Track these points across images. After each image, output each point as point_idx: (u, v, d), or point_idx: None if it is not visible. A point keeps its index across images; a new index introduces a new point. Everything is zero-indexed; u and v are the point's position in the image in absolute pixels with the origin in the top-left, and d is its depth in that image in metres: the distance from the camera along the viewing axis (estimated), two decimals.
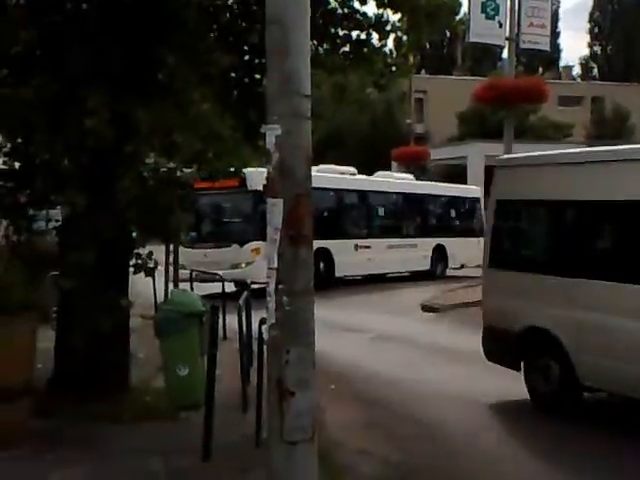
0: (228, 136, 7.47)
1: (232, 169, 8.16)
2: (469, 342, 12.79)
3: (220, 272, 15.27)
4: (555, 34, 68.95)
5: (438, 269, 24.93)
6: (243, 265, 17.96)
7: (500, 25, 19.32)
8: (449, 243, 25.19)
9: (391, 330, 14.05)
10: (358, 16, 8.30)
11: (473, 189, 28.13)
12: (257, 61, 8.73)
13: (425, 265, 24.41)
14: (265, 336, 4.11)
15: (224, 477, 5.77)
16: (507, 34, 19.42)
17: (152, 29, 6.87)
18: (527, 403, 8.45)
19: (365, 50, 9.06)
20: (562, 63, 68.05)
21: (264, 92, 8.77)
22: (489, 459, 6.72)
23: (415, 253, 23.95)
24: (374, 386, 9.60)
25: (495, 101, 20.47)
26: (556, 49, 69.57)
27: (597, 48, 71.15)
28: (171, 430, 6.88)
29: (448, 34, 64.19)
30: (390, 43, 9.34)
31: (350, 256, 20.99)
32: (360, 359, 11.25)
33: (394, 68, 9.42)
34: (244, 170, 16.91)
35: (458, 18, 15.01)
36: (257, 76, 8.85)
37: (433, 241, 24.77)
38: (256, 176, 17.02)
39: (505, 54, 24.43)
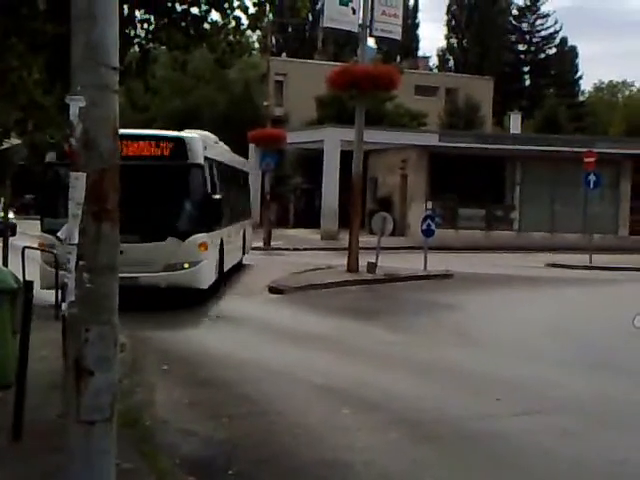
0: (51, 106, 7.19)
1: (52, 141, 7.87)
2: (308, 323, 13.06)
3: (146, 275, 12.89)
4: (414, 25, 70.80)
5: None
6: (186, 266, 13.48)
7: (354, 12, 19.55)
8: (246, 227, 22.10)
9: (234, 311, 14.07)
10: None
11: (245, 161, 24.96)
12: None
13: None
14: (65, 313, 3.99)
15: (32, 456, 5.60)
16: (360, 21, 19.71)
17: None
18: (355, 381, 8.67)
19: (206, 27, 9.00)
20: (420, 53, 69.85)
21: None
22: (313, 438, 6.84)
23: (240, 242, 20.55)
24: (209, 366, 9.58)
25: (347, 87, 20.75)
26: (415, 39, 71.40)
27: (454, 40, 73.42)
28: None
29: (310, 17, 64.63)
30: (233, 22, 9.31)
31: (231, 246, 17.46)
32: (198, 340, 11.20)
33: (237, 47, 9.39)
34: (183, 134, 14.51)
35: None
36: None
37: (242, 225, 21.16)
38: (199, 143, 14.20)
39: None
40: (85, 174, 3.94)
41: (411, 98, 49.19)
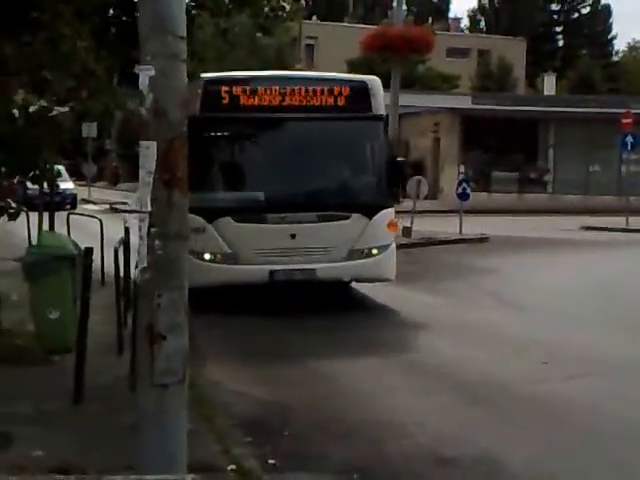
0: (103, 74, 7.26)
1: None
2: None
3: (326, 265, 9.97)
4: None
5: None
6: (375, 251, 10.36)
7: None
8: None
9: None
10: None
11: None
12: None
13: None
14: (137, 279, 4.08)
15: (95, 419, 5.75)
16: None
17: None
18: (401, 343, 8.76)
19: None
20: (451, 15, 68.94)
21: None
22: (364, 400, 6.94)
23: None
24: (255, 329, 9.63)
25: (382, 50, 20.62)
26: (445, 1, 70.47)
27: (485, 1, 72.32)
28: (43, 374, 6.79)
29: None
30: None
31: None
32: (244, 304, 11.24)
33: (280, 12, 9.44)
34: (362, 77, 11.46)
35: None
36: (137, 14, 8.66)
37: None
38: (381, 89, 10.89)
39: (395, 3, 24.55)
40: (155, 143, 4.00)
41: (443, 60, 48.66)
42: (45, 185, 10.33)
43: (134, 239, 4.23)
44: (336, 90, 10.40)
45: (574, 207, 31.92)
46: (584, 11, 71.16)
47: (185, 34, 4.10)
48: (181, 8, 4.06)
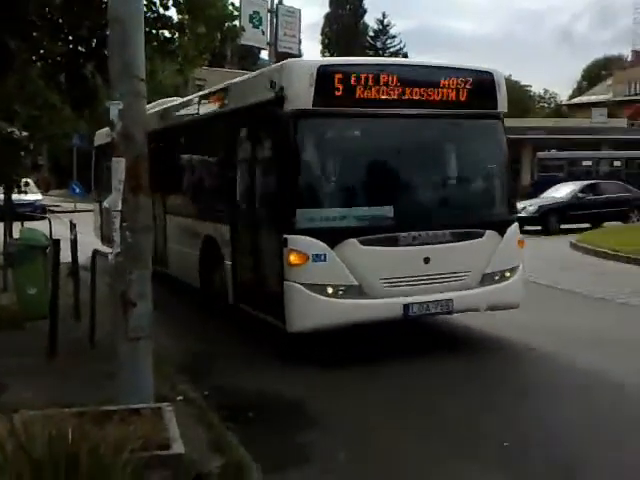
0: (60, 106, 7.06)
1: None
2: None
3: (461, 294, 6.54)
4: (298, 41, 70.30)
5: None
6: (507, 274, 6.89)
7: (263, 32, 19.62)
8: None
9: None
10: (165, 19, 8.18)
11: None
12: (82, 50, 8.30)
13: None
14: (112, 261, 4.05)
15: (68, 369, 5.59)
16: (268, 39, 19.77)
17: None
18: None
19: (169, 46, 8.96)
20: None
21: (86, 75, 8.35)
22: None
23: None
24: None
25: None
26: (299, 54, 70.99)
27: (327, 55, 73.70)
28: (19, 337, 6.51)
29: (218, 35, 62.78)
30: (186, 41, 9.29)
31: None
32: None
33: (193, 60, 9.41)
34: (490, 69, 7.12)
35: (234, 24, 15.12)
36: (81, 61, 8.42)
37: None
38: (504, 84, 7.18)
39: (263, 54, 24.84)
40: (124, 159, 3.98)
41: None
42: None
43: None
44: (462, 82, 6.82)
45: None
46: None
47: (144, 76, 4.10)
48: (142, 57, 4.08)
